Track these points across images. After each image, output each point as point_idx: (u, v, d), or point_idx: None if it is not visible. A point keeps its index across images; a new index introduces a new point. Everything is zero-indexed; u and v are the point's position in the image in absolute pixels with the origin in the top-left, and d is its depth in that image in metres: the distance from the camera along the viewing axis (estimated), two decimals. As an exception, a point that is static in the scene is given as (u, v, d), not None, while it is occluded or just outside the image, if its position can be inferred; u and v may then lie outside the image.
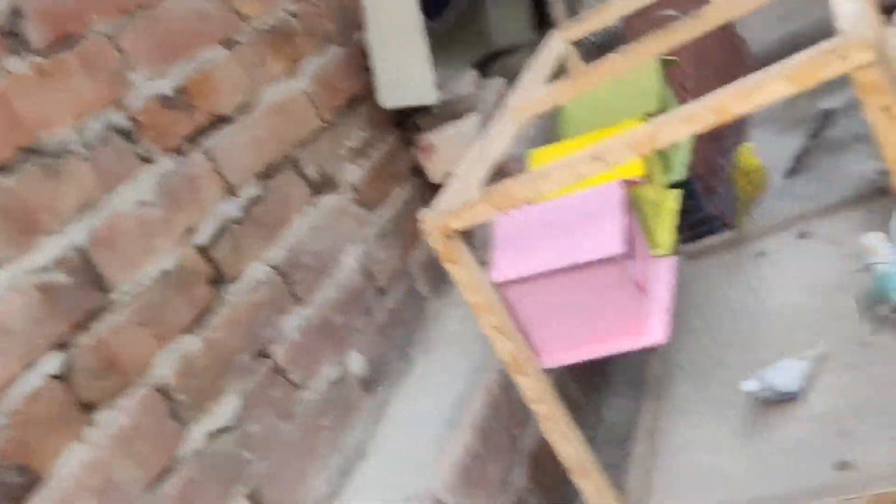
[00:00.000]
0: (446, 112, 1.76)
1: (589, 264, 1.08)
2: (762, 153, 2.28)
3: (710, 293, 1.62)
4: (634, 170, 1.20)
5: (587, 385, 1.66)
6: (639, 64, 1.47)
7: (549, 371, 1.50)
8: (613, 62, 1.27)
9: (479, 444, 1.34)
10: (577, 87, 1.34)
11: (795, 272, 1.50)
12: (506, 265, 1.12)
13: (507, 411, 1.42)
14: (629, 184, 1.21)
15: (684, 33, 1.26)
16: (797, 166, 2.11)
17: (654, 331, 1.11)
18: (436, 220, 1.05)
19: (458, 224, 1.03)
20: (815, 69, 0.84)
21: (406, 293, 1.66)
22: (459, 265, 1.06)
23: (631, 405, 1.58)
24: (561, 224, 1.11)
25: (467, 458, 1.30)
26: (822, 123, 2.20)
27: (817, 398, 1.21)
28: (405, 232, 1.72)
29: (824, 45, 0.84)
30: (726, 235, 1.73)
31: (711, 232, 1.82)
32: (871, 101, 0.84)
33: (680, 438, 1.30)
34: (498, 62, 2.08)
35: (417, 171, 1.81)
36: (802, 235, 1.61)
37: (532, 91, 1.37)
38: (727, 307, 1.54)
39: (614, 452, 1.52)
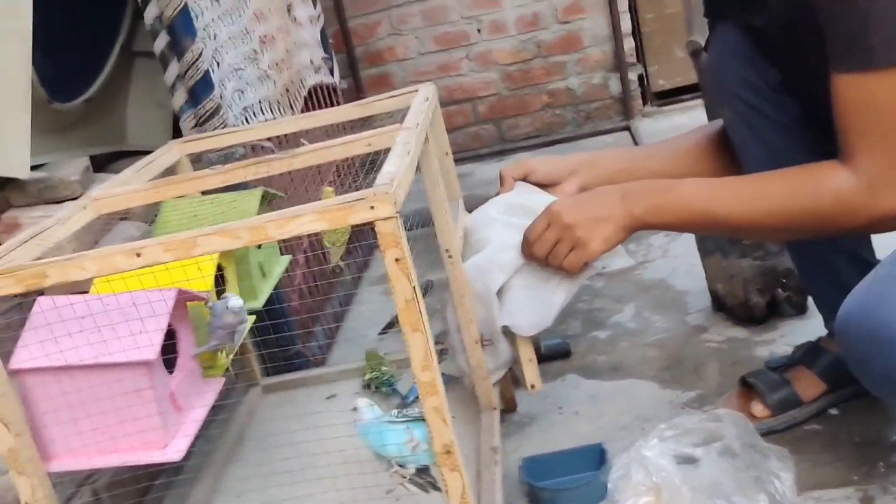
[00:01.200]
0: (43, 194, 1.66)
1: (118, 366, 1.04)
2: (368, 310, 2.42)
3: (275, 425, 1.63)
4: (204, 284, 1.21)
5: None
6: (243, 192, 1.52)
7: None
8: (199, 178, 1.29)
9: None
10: (158, 195, 1.34)
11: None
12: (27, 352, 1.04)
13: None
14: (191, 297, 1.20)
15: (280, 166, 1.32)
16: (391, 324, 2.26)
17: (175, 449, 1.09)
18: (-49, 286, 0.96)
19: (-24, 294, 0.96)
20: (346, 212, 0.91)
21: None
22: (-30, 341, 0.97)
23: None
24: (104, 320, 1.07)
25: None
26: (424, 292, 2.39)
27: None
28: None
29: (357, 194, 0.92)
30: (308, 373, 1.78)
31: (297, 367, 1.85)
32: (388, 251, 0.92)
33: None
34: (128, 159, 2.03)
35: (-5, 249, 1.67)
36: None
37: (122, 186, 1.35)
38: (287, 441, 1.56)
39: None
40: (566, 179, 1.46)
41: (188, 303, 1.20)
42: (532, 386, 1.60)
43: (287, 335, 1.89)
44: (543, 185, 1.47)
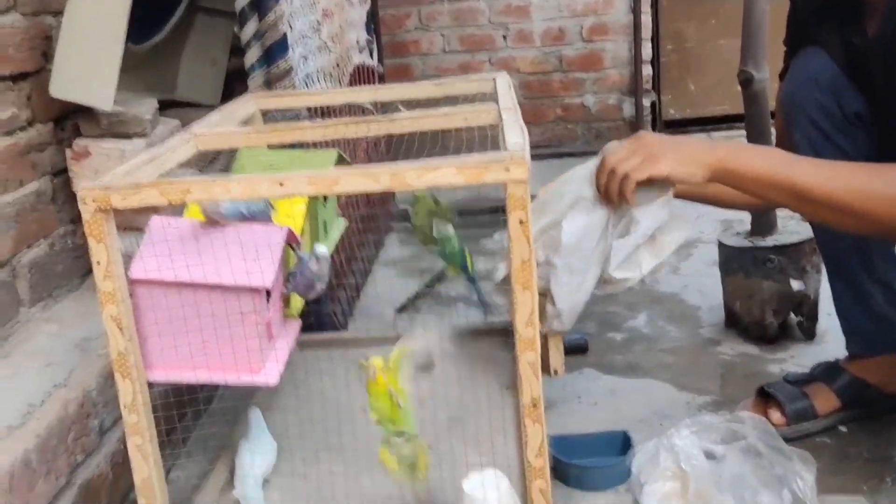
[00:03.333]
0: (114, 128, 1.71)
1: (232, 289, 1.10)
2: (383, 290, 2.49)
3: (309, 380, 1.69)
4: (297, 223, 1.27)
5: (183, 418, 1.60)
6: (320, 151, 1.58)
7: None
8: (300, 129, 1.35)
9: (36, 456, 1.23)
10: (260, 140, 1.40)
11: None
12: (148, 264, 1.10)
13: (76, 434, 1.33)
14: (292, 240, 1.27)
15: (378, 128, 1.39)
16: (407, 305, 2.33)
17: (270, 373, 1.15)
18: (95, 191, 1.01)
19: (119, 201, 1.01)
20: (482, 170, 0.99)
21: (-4, 288, 1.52)
22: (102, 245, 1.02)
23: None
24: (218, 245, 1.13)
25: (19, 466, 1.19)
26: (438, 278, 2.47)
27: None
28: (24, 225, 1.59)
29: (493, 154, 1.00)
30: (341, 335, 1.84)
31: (325, 328, 1.91)
32: (514, 213, 1.00)
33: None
34: (173, 110, 2.07)
35: (62, 173, 1.71)
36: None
37: (218, 126, 1.40)
38: (320, 396, 1.62)
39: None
40: None
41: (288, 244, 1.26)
42: (555, 371, 1.68)
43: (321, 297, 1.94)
44: None
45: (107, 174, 1.08)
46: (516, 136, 1.08)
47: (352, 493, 1.26)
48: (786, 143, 1.53)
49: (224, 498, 1.32)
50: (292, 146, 1.60)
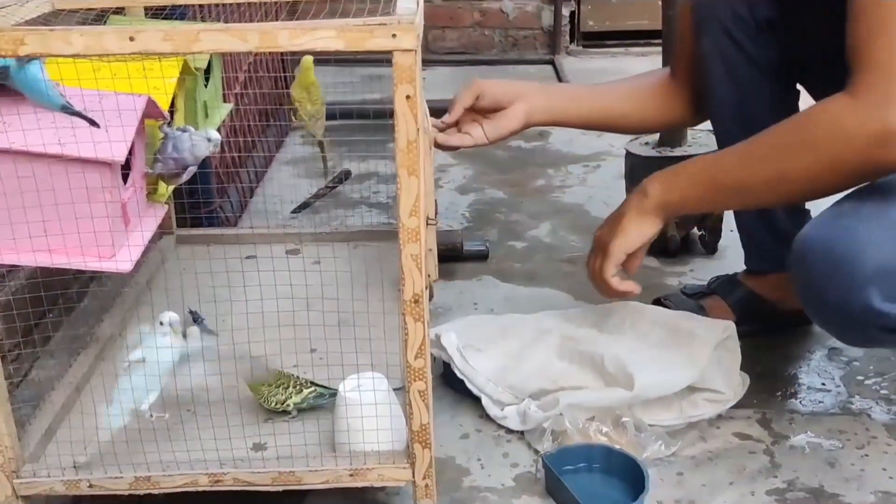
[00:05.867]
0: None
1: (79, 161, 0.97)
2: (282, 188, 2.36)
3: (189, 277, 1.57)
4: (165, 97, 1.13)
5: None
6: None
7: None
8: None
9: None
10: (131, 0, 1.24)
11: (280, 281, 1.52)
12: (-19, 129, 0.95)
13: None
14: (155, 114, 1.13)
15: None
16: (305, 204, 2.21)
17: (122, 260, 1.03)
18: None
19: (-62, 49, 0.86)
20: (365, 35, 0.87)
21: None
22: (-81, 100, 0.88)
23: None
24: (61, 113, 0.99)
25: None
26: (340, 179, 2.35)
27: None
28: None
29: (380, 18, 0.88)
30: (224, 230, 1.71)
31: (210, 224, 1.79)
32: (400, 86, 0.89)
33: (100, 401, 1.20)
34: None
35: None
36: (291, 252, 1.66)
37: (80, -16, 1.24)
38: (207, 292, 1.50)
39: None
40: (514, 103, 1.44)
41: (147, 120, 1.13)
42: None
43: (206, 188, 1.81)
44: (491, 110, 1.45)
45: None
46: (409, 1, 0.96)
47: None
48: (690, 53, 1.46)
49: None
50: (175, 18, 1.45)
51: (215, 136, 1.15)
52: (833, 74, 1.14)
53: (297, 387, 1.18)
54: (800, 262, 1.13)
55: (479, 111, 1.45)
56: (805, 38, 1.35)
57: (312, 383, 1.20)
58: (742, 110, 1.42)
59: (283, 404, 1.17)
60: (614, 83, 1.61)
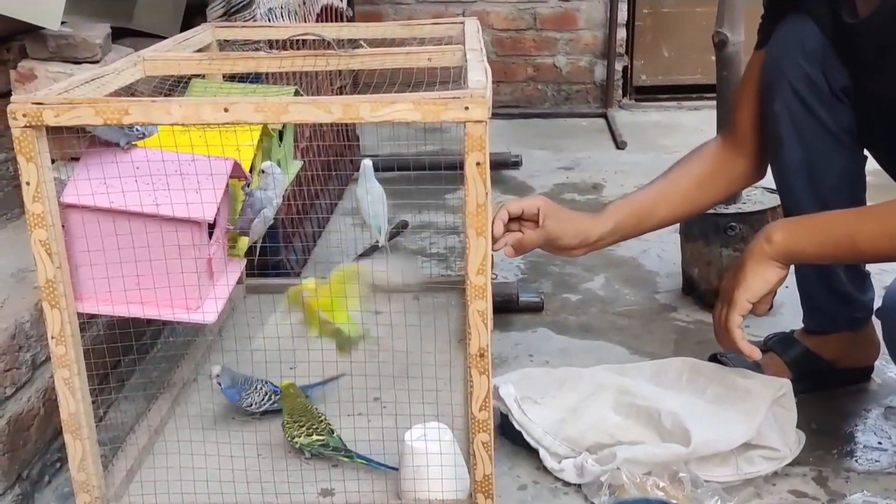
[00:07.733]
0: (63, 52, 1.62)
1: (170, 220, 1.04)
2: (338, 239, 2.43)
3: (255, 324, 1.64)
4: (246, 158, 1.21)
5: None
6: (275, 87, 1.52)
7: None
8: (255, 59, 1.29)
9: (-41, 386, 1.17)
10: (212, 67, 1.33)
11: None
12: (81, 189, 1.04)
13: (6, 365, 1.27)
14: (239, 174, 1.21)
15: (338, 62, 1.33)
16: (363, 255, 2.28)
17: (208, 311, 1.10)
18: (27, 105, 0.94)
19: (51, 118, 0.94)
20: (440, 108, 0.94)
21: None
22: (32, 164, 0.96)
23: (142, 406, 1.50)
24: (159, 174, 1.07)
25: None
26: (397, 230, 2.42)
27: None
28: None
29: (454, 92, 0.95)
30: (291, 281, 1.78)
31: (276, 274, 1.86)
32: (471, 154, 0.95)
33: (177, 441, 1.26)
34: (129, 39, 1.98)
35: (5, 96, 1.62)
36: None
37: (168, 51, 1.33)
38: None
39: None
40: (581, 248, 1.45)
41: (231, 179, 1.20)
42: None
43: (273, 239, 1.88)
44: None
45: (42, 90, 1.02)
46: (479, 75, 1.03)
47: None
48: (759, 115, 1.49)
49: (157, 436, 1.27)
50: (249, 81, 1.54)
51: (273, 169, 1.23)
52: None
53: (310, 430, 1.24)
54: (890, 314, 1.15)
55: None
56: (875, 106, 1.37)
57: (331, 431, 1.25)
58: (811, 173, 1.45)
59: (292, 440, 1.23)
60: (671, 176, 1.55)
